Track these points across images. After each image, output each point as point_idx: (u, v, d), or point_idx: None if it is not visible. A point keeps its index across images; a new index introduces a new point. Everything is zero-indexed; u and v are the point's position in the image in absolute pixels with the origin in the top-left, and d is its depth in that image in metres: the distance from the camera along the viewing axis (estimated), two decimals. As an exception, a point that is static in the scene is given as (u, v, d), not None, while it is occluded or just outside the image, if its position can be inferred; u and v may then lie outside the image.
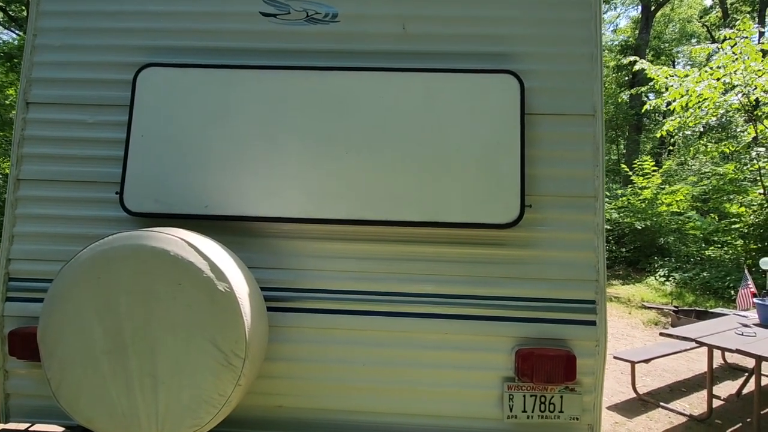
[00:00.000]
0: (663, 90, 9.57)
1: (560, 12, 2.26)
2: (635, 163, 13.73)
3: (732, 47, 8.28)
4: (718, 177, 11.26)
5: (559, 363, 2.03)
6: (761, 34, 13.49)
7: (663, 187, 12.81)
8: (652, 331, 7.21)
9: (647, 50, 20.74)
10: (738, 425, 3.96)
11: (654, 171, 12.98)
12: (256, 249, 2.17)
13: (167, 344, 1.69)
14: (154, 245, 1.73)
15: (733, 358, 5.33)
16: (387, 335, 2.14)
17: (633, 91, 15.64)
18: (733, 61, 8.28)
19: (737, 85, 8.51)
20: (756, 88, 8.34)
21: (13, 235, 2.25)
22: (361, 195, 2.14)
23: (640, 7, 22.00)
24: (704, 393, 4.24)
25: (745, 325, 4.20)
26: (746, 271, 5.47)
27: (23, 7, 15.82)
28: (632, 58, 10.30)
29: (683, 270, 10.74)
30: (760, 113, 9.45)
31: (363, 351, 2.14)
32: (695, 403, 4.40)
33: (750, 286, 5.20)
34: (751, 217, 10.10)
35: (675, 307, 8.02)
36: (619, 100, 21.81)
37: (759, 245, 9.67)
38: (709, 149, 12.01)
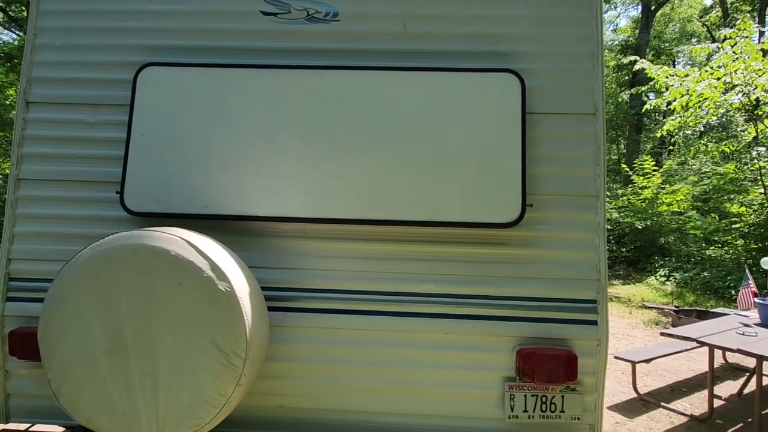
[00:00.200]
0: (663, 90, 9.57)
1: (561, 11, 2.25)
2: (635, 163, 13.73)
3: (732, 47, 8.27)
4: (719, 176, 11.26)
5: (560, 363, 2.03)
6: (761, 33, 13.48)
7: (663, 186, 12.81)
8: (653, 331, 7.20)
9: (647, 50, 20.74)
10: (739, 425, 3.95)
11: (654, 171, 12.98)
12: (257, 248, 2.17)
13: (167, 344, 1.69)
14: (154, 245, 1.72)
15: (734, 358, 5.33)
16: (388, 335, 2.13)
17: (633, 90, 15.62)
18: (734, 61, 8.27)
19: (737, 85, 8.51)
20: (756, 88, 8.34)
21: (13, 234, 2.24)
22: (362, 194, 2.13)
23: (640, 7, 22.00)
24: (705, 393, 4.24)
25: (746, 325, 4.20)
26: (747, 271, 5.47)
27: (23, 8, 15.82)
28: (632, 58, 10.30)
29: (684, 270, 10.74)
30: (760, 113, 9.45)
31: (364, 351, 2.14)
32: (696, 403, 4.39)
33: (751, 285, 5.20)
34: (752, 216, 10.09)
35: (675, 306, 8.02)
36: (620, 100, 21.81)
37: (759, 245, 9.67)
38: (709, 149, 12.02)
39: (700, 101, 8.81)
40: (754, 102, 9.09)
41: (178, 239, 1.76)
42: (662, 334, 4.26)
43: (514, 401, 2.07)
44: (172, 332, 1.69)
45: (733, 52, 8.27)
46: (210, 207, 2.15)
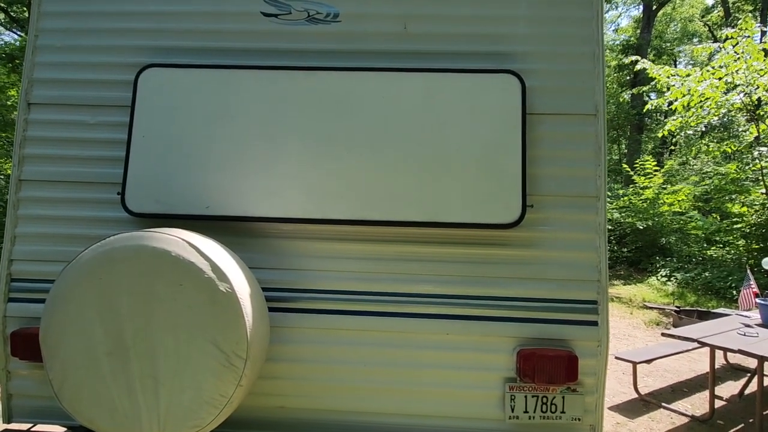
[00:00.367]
0: (665, 90, 9.56)
1: (562, 11, 2.25)
2: (637, 163, 13.71)
3: (734, 46, 8.26)
4: (720, 177, 11.24)
5: (560, 363, 2.03)
6: (763, 33, 13.47)
7: (665, 186, 12.80)
8: (654, 332, 7.19)
9: (649, 50, 20.72)
10: (740, 426, 3.95)
11: (656, 171, 12.97)
12: (257, 249, 2.17)
13: (168, 345, 1.69)
14: (155, 246, 1.73)
15: (735, 359, 5.32)
16: (388, 336, 2.14)
17: (635, 90, 15.61)
18: (735, 61, 8.26)
19: (739, 85, 8.50)
20: (758, 88, 8.33)
21: (15, 236, 2.25)
22: (363, 195, 2.14)
23: (641, 7, 21.97)
24: (706, 393, 4.24)
25: (748, 326, 4.19)
26: (748, 271, 5.46)
27: (24, 9, 15.86)
28: (634, 58, 10.29)
29: (685, 270, 10.73)
30: (762, 113, 9.43)
31: (364, 351, 2.14)
32: (697, 404, 4.38)
33: (752, 286, 5.19)
34: (753, 216, 10.08)
35: (677, 307, 8.00)
36: (621, 100, 21.78)
37: (761, 245, 9.65)
38: (711, 149, 12.00)
39: (701, 101, 8.79)
40: (756, 102, 9.08)
41: (179, 240, 1.76)
42: (663, 334, 4.25)
43: (514, 402, 2.07)
44: (172, 333, 1.69)
45: (735, 52, 8.26)
46: (211, 208, 2.15)
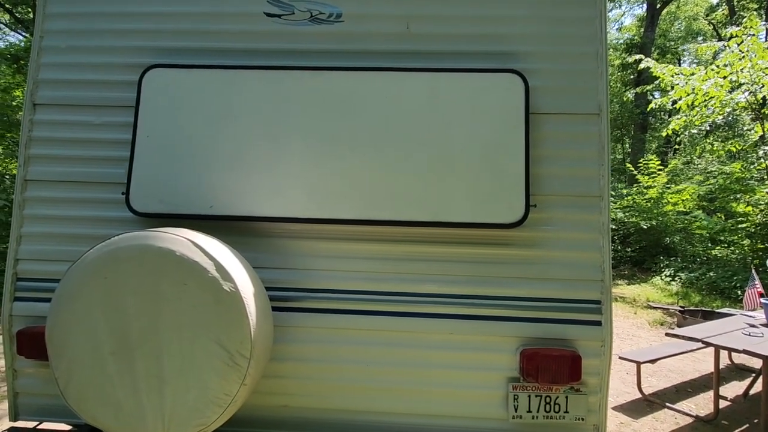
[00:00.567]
0: (669, 88, 9.52)
1: (565, 10, 2.25)
2: (640, 162, 13.66)
3: (739, 45, 8.22)
4: (725, 176, 11.18)
5: (564, 363, 2.02)
6: (768, 31, 13.37)
7: (669, 186, 12.74)
8: (658, 332, 7.17)
9: (653, 48, 20.61)
10: (745, 426, 3.93)
11: (660, 170, 12.91)
12: (261, 249, 2.18)
13: (173, 344, 1.70)
14: (160, 245, 1.74)
15: (739, 359, 5.30)
16: (391, 335, 2.14)
17: (638, 89, 15.55)
18: (740, 59, 8.22)
19: (744, 83, 8.45)
20: (763, 86, 8.28)
21: (21, 235, 2.26)
22: (366, 195, 2.14)
23: (645, 5, 21.87)
24: (711, 394, 4.22)
25: (753, 326, 4.17)
26: (753, 271, 5.43)
27: (29, 9, 15.95)
28: (637, 57, 10.26)
29: (689, 270, 10.68)
30: (767, 111, 9.37)
31: (367, 351, 2.15)
32: (701, 404, 4.37)
33: (757, 286, 5.16)
34: (758, 216, 10.03)
35: (681, 307, 7.97)
36: (625, 99, 21.69)
37: (766, 245, 9.60)
38: (715, 148, 11.94)
39: (705, 100, 8.75)
40: (761, 101, 9.02)
41: (184, 240, 1.77)
42: (667, 334, 4.25)
43: (518, 401, 2.07)
44: (177, 332, 1.70)
45: (740, 51, 8.21)
46: (215, 208, 2.16)
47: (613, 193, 13.63)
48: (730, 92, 8.67)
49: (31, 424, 2.25)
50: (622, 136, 23.05)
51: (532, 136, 2.15)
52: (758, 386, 4.15)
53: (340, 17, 2.30)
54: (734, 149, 10.95)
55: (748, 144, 10.76)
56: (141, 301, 1.72)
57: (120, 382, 1.70)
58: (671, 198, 12.26)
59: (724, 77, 8.46)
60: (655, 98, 11.40)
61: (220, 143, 2.19)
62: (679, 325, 6.98)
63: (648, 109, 13.16)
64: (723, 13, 22.63)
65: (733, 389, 4.69)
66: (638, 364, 4.45)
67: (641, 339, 6.80)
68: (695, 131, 10.65)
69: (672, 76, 9.01)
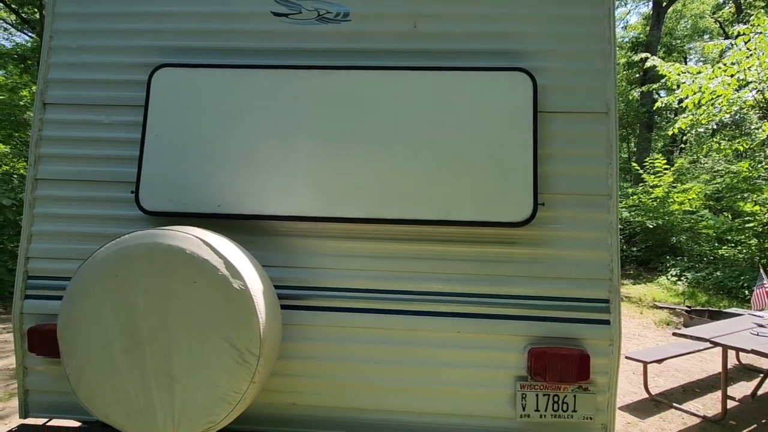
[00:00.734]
0: (675, 87, 9.46)
1: (573, 9, 2.24)
2: (646, 161, 13.58)
3: (746, 43, 8.15)
4: (732, 175, 11.10)
5: (572, 362, 2.02)
6: (776, 29, 13.23)
7: (675, 185, 12.67)
8: (664, 331, 7.14)
9: (658, 47, 20.48)
10: (753, 426, 3.91)
11: (666, 169, 12.84)
12: (270, 247, 2.19)
13: (183, 342, 1.71)
14: (170, 243, 1.75)
15: (747, 359, 5.26)
16: (399, 333, 2.14)
17: (644, 88, 15.46)
18: (748, 57, 8.15)
19: (752, 82, 8.38)
20: (771, 85, 8.21)
21: (31, 233, 2.28)
22: (374, 194, 2.14)
23: (651, 3, 21.74)
24: (718, 394, 4.20)
25: (761, 325, 4.15)
26: (761, 271, 5.40)
27: (35, 10, 16.06)
28: (643, 55, 10.20)
29: (696, 269, 10.62)
30: (775, 110, 9.30)
31: (375, 349, 2.15)
32: (709, 404, 4.35)
33: (765, 285, 5.13)
34: (766, 215, 9.95)
35: (687, 306, 7.93)
36: (630, 98, 21.58)
37: (774, 244, 9.53)
38: (722, 147, 11.85)
39: (712, 98, 8.69)
40: (769, 99, 8.94)
41: (193, 238, 1.78)
42: (675, 334, 4.23)
43: (525, 400, 2.07)
44: (187, 330, 1.71)
45: (747, 49, 8.15)
46: (223, 206, 2.17)
47: (619, 192, 13.55)
48: (737, 90, 8.61)
49: (40, 422, 2.27)
50: (627, 134, 22.96)
51: (540, 135, 2.15)
52: (766, 386, 4.13)
53: (348, 16, 2.30)
54: (741, 148, 10.87)
55: (755, 143, 10.68)
56: (151, 299, 1.73)
57: (130, 380, 1.71)
58: (677, 197, 12.19)
59: (732, 75, 8.40)
60: (661, 97, 11.33)
61: (229, 142, 2.20)
62: (686, 325, 6.94)
63: (654, 108, 13.07)
64: (729, 11, 22.44)
65: (741, 389, 4.66)
66: (645, 363, 4.43)
67: (647, 339, 6.77)
68: (702, 130, 10.58)
69: (678, 74, 8.95)
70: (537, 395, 2.07)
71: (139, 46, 2.35)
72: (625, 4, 27.31)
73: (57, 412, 2.25)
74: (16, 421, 2.29)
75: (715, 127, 10.61)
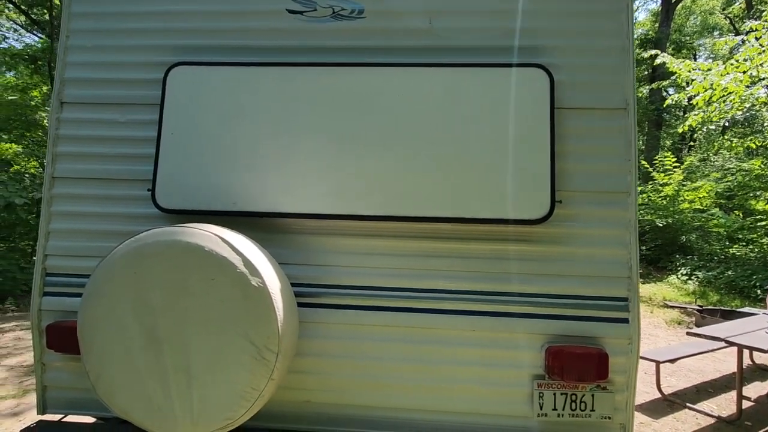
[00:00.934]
0: (685, 84, 9.35)
1: (591, 4, 2.22)
2: (656, 159, 13.45)
3: (758, 39, 8.04)
4: (744, 173, 10.97)
5: (590, 361, 2.00)
6: (788, 25, 13.04)
7: (685, 183, 12.54)
8: (675, 331, 7.07)
9: (668, 44, 20.27)
10: (769, 427, 3.86)
11: (675, 167, 12.71)
12: (285, 245, 2.19)
13: (201, 339, 1.71)
14: (188, 241, 1.75)
15: (761, 359, 5.20)
16: (415, 332, 2.13)
17: (654, 85, 15.31)
18: (760, 53, 8.04)
19: (764, 78, 8.27)
20: (784, 81, 8.09)
21: (49, 231, 2.30)
22: (390, 191, 2.13)
23: (659, 0, 21.52)
24: (732, 394, 4.15)
25: (777, 325, 4.09)
26: (776, 270, 5.32)
27: (45, 11, 16.19)
28: (653, 52, 10.09)
29: (707, 268, 10.51)
30: (787, 107, 9.17)
31: (390, 347, 2.14)
32: (723, 405, 4.30)
33: (780, 284, 5.06)
34: (779, 214, 9.82)
35: (699, 306, 7.84)
36: (639, 95, 21.39)
37: (787, 243, 9.40)
38: (734, 144, 11.70)
39: (724, 95, 8.58)
40: (781, 96, 8.81)
41: (211, 235, 1.78)
42: (689, 333, 4.18)
43: (543, 399, 2.06)
44: (205, 327, 1.72)
45: (759, 45, 8.03)
46: (238, 204, 2.18)
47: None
48: (749, 87, 8.49)
49: (57, 417, 2.29)
50: (636, 132, 22.73)
51: (558, 132, 2.13)
52: (782, 387, 4.07)
53: (362, 13, 2.29)
54: (754, 146, 10.73)
55: (767, 140, 10.54)
56: (170, 297, 1.73)
57: (149, 377, 1.72)
58: (687, 195, 12.07)
59: (744, 72, 8.28)
60: (670, 94, 11.21)
61: (244, 140, 2.20)
62: (698, 325, 6.87)
63: (664, 105, 12.94)
64: (740, 7, 22.16)
65: (755, 389, 4.61)
66: (657, 363, 4.38)
67: (659, 338, 6.71)
68: (712, 127, 10.46)
69: (689, 71, 8.85)
70: (554, 394, 2.06)
71: (155, 45, 2.35)
72: (634, 1, 27.07)
73: (74, 408, 2.26)
74: (31, 417, 2.31)
75: (726, 124, 10.49)
